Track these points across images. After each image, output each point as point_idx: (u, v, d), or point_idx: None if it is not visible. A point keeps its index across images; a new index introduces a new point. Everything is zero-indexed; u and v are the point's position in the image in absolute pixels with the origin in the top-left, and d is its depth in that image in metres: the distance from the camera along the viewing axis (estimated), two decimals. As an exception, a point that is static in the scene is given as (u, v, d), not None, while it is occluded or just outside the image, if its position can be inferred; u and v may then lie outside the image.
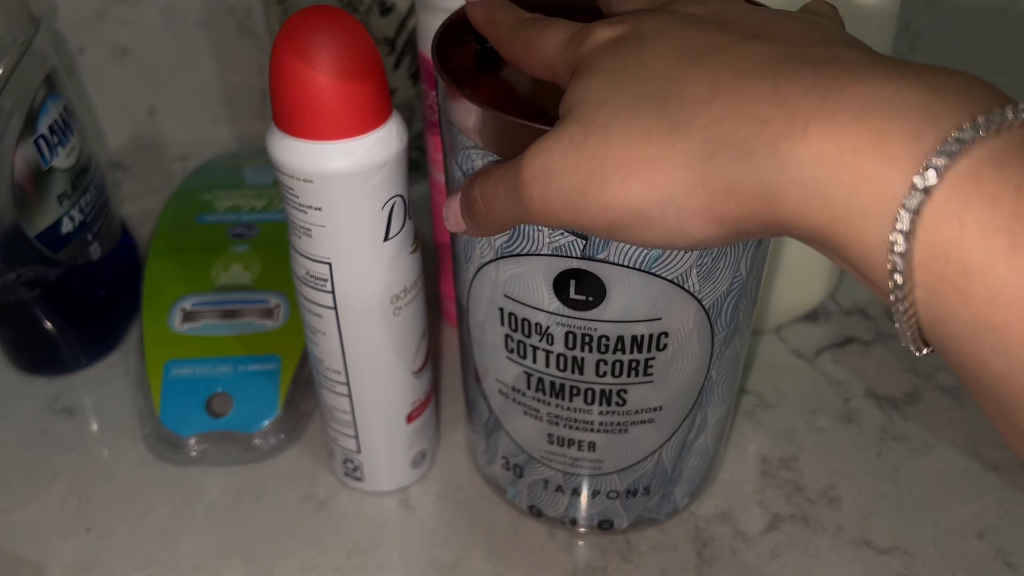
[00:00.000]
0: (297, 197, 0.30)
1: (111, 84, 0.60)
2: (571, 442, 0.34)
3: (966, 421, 0.42)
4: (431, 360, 0.38)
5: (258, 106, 0.62)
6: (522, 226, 0.28)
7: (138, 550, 0.37)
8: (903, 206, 0.18)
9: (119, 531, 0.38)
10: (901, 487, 0.39)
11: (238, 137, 0.63)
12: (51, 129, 0.41)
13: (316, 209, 0.30)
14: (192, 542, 0.37)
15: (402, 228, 0.32)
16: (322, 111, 0.28)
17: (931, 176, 0.17)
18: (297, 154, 0.29)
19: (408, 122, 0.54)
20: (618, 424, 0.33)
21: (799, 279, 0.45)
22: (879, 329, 0.47)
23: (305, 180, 0.29)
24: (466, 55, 0.32)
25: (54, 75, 0.42)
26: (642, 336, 0.30)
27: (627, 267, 0.28)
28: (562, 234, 0.28)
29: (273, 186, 0.51)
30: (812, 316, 0.48)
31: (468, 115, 0.28)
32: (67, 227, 0.42)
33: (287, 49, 0.27)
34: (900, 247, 0.18)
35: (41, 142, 0.40)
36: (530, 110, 0.29)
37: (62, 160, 0.41)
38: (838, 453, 0.41)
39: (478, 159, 0.28)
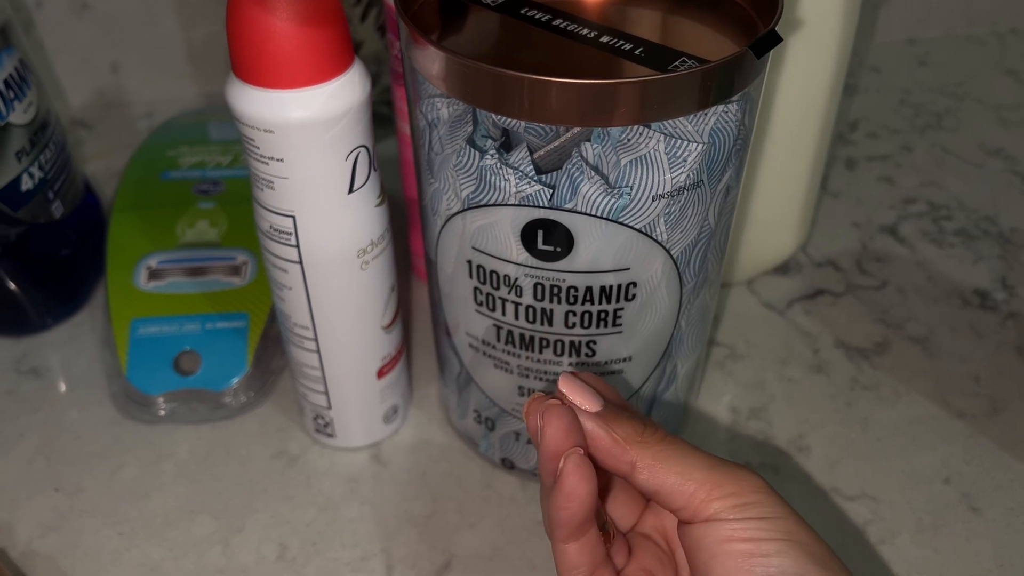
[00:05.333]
0: (258, 148, 0.29)
1: (71, 39, 0.58)
2: (541, 394, 0.34)
3: (934, 370, 0.42)
4: (402, 315, 0.38)
5: (223, 62, 0.60)
6: (489, 176, 0.28)
7: (107, 509, 0.37)
8: None
9: (88, 490, 0.38)
10: (869, 435, 0.40)
11: (204, 94, 0.62)
12: (6, 83, 0.39)
13: (278, 160, 0.29)
14: (162, 500, 0.37)
15: (367, 180, 0.31)
16: (281, 58, 0.27)
17: None
18: (257, 103, 0.28)
19: (376, 76, 0.53)
20: (588, 375, 0.33)
21: (770, 232, 0.45)
22: (849, 281, 0.47)
23: (266, 130, 0.29)
24: (430, 0, 0.31)
25: (8, 28, 0.40)
26: (610, 287, 0.30)
27: (595, 216, 0.28)
28: (529, 183, 0.28)
29: (238, 142, 0.50)
30: (783, 268, 0.48)
31: (432, 61, 0.27)
32: (27, 184, 0.41)
33: (244, -6, 0.27)
34: None
35: (-4, 96, 0.39)
36: (495, 55, 0.29)
37: (19, 116, 0.40)
38: (808, 403, 0.41)
39: (443, 107, 0.28)
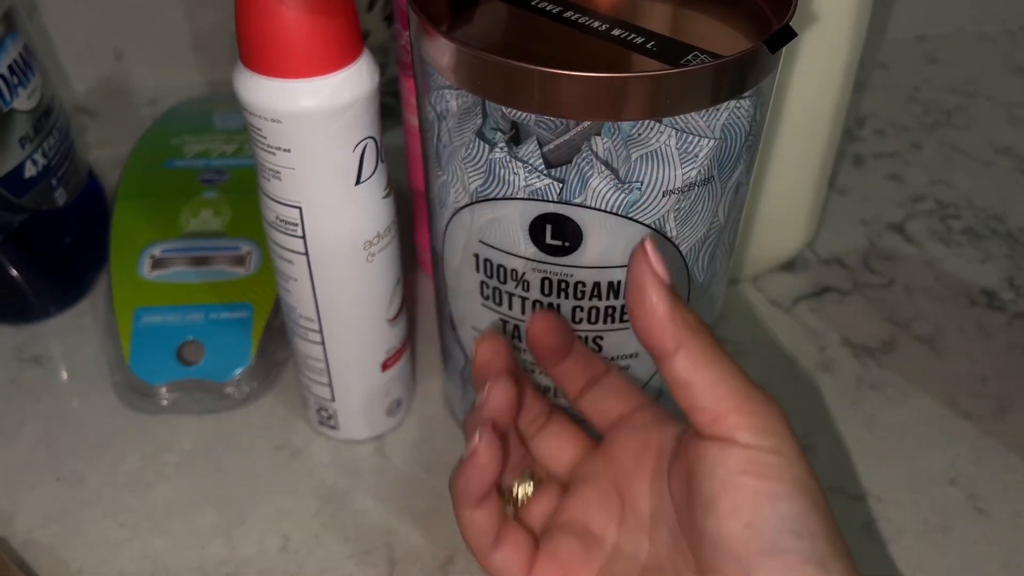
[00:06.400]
0: (265, 138, 0.29)
1: (75, 26, 0.58)
2: (547, 389, 0.34)
3: (941, 370, 0.42)
4: (407, 308, 0.37)
5: (228, 50, 0.60)
6: (498, 169, 0.28)
7: (109, 499, 0.37)
8: None
9: (89, 480, 0.38)
10: (876, 435, 0.39)
11: (208, 82, 0.61)
12: (11, 69, 0.39)
13: (285, 151, 0.29)
14: (164, 491, 0.37)
15: (374, 171, 0.31)
16: (290, 47, 0.27)
17: None
18: (264, 92, 0.28)
19: (382, 67, 0.53)
20: (594, 371, 0.33)
21: (777, 228, 0.45)
22: (856, 279, 0.47)
23: (273, 120, 0.28)
24: (440, -9, 0.31)
25: (12, 12, 0.40)
26: (619, 282, 0.30)
27: (604, 211, 0.28)
28: (539, 177, 0.27)
29: (243, 131, 0.49)
30: (790, 266, 0.48)
31: (442, 52, 0.27)
32: (30, 171, 0.41)
33: (252, -18, 0.26)
34: None
35: (0, 82, 0.38)
36: (505, 47, 0.28)
37: (23, 102, 0.40)
38: (814, 402, 0.41)
39: (452, 99, 0.28)
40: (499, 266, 0.30)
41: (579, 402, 0.31)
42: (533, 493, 0.31)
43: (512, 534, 0.29)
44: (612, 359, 0.32)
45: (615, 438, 0.30)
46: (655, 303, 0.25)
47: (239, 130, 0.50)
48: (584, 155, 0.26)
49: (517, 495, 0.31)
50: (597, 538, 0.29)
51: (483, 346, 0.30)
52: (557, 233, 0.28)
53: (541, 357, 0.30)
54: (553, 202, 0.28)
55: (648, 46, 0.28)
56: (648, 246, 0.25)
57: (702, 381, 0.25)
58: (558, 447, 0.31)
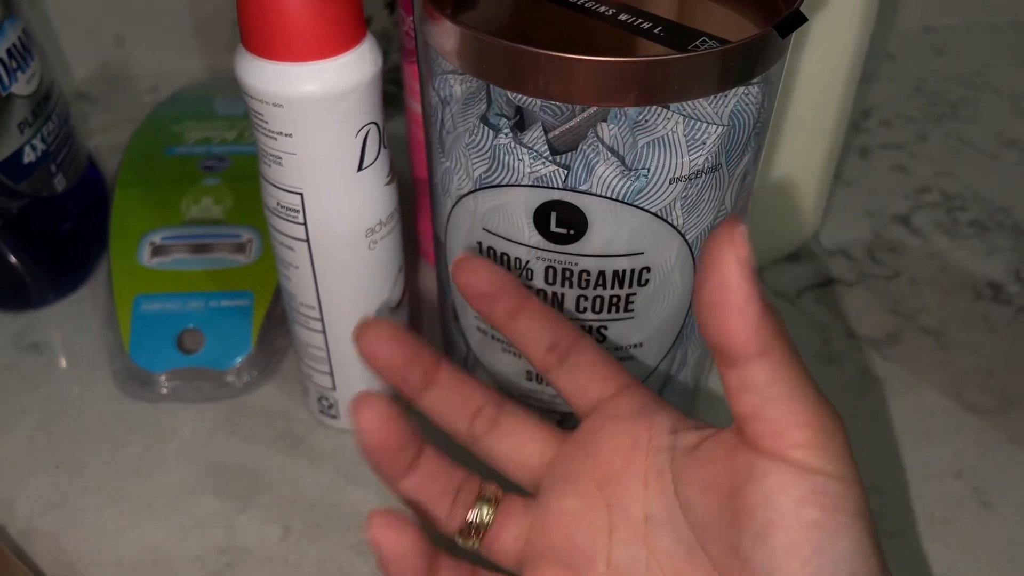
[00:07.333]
0: (267, 123, 0.29)
1: (76, 11, 0.58)
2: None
3: (947, 362, 0.42)
4: (408, 298, 0.37)
5: (230, 36, 0.60)
6: (502, 155, 0.27)
7: (109, 487, 0.37)
8: None
9: (89, 468, 0.37)
10: (881, 428, 0.39)
11: (210, 69, 0.61)
12: (9, 53, 0.39)
13: (287, 136, 0.29)
14: (164, 479, 0.37)
15: (377, 157, 0.31)
16: (292, 30, 0.27)
17: None
18: (266, 76, 0.27)
19: (384, 54, 0.52)
20: (598, 361, 0.32)
21: (783, 219, 0.45)
22: (862, 270, 0.47)
23: (275, 104, 0.28)
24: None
25: (12, -4, 0.40)
26: (623, 271, 0.29)
27: (610, 199, 0.27)
28: (544, 163, 0.27)
29: (245, 117, 0.49)
30: (795, 256, 0.47)
31: (446, 36, 0.26)
32: (29, 157, 0.41)
33: (254, -37, 0.26)
34: None
35: (-1, 66, 0.38)
36: (510, 30, 0.28)
37: (22, 86, 0.40)
38: (818, 393, 0.41)
39: (456, 84, 0.27)
40: (503, 254, 0.30)
41: (549, 375, 0.28)
42: (495, 516, 0.27)
43: None
44: (617, 349, 0.32)
45: (595, 430, 0.26)
46: (746, 301, 0.21)
47: (241, 116, 0.49)
48: (590, 141, 0.26)
49: (474, 523, 0.26)
50: (588, 557, 0.25)
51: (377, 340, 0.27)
52: (562, 221, 0.28)
53: (482, 308, 0.27)
54: (558, 189, 0.27)
55: (655, 31, 0.27)
56: (739, 231, 0.21)
57: (777, 392, 0.22)
58: (517, 447, 0.27)
